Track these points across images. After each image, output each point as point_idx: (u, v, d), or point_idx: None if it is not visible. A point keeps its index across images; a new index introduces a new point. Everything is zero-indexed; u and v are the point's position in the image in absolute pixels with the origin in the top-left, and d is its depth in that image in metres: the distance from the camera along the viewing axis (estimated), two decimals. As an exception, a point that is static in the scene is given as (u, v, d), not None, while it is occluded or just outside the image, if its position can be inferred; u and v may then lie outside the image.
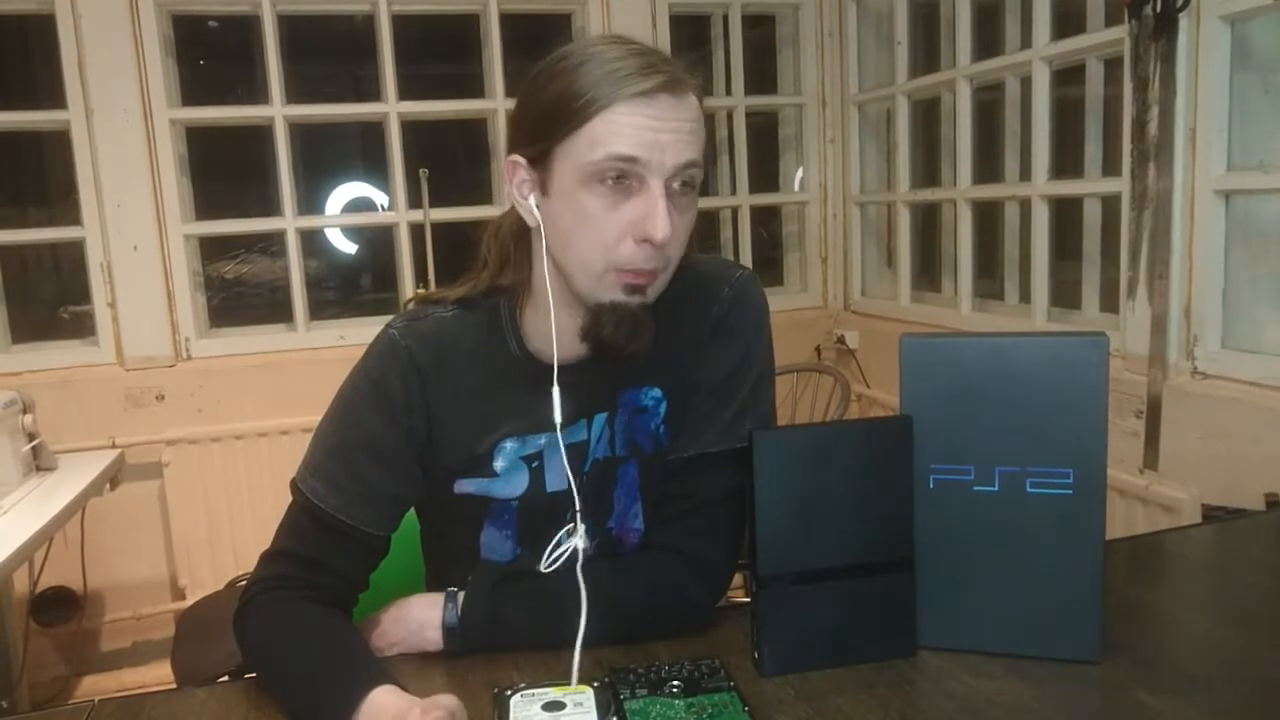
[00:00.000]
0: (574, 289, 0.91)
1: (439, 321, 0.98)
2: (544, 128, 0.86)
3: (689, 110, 0.86)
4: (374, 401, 0.95)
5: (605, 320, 0.88)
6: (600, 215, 0.85)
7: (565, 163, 0.86)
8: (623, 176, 0.84)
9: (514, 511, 1.00)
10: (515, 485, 0.98)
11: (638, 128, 0.83)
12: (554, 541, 0.96)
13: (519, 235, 0.95)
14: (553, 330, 0.92)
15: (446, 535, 1.06)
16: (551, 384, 0.93)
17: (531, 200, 0.90)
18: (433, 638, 0.94)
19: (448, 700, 0.74)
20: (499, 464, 0.98)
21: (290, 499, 0.97)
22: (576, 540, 0.93)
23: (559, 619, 0.90)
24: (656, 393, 1.00)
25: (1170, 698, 0.79)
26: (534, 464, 0.98)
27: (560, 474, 0.99)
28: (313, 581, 0.93)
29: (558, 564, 0.95)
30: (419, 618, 0.95)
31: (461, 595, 0.95)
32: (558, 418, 0.91)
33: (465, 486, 0.99)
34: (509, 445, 0.97)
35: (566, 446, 0.96)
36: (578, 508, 0.94)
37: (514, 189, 0.91)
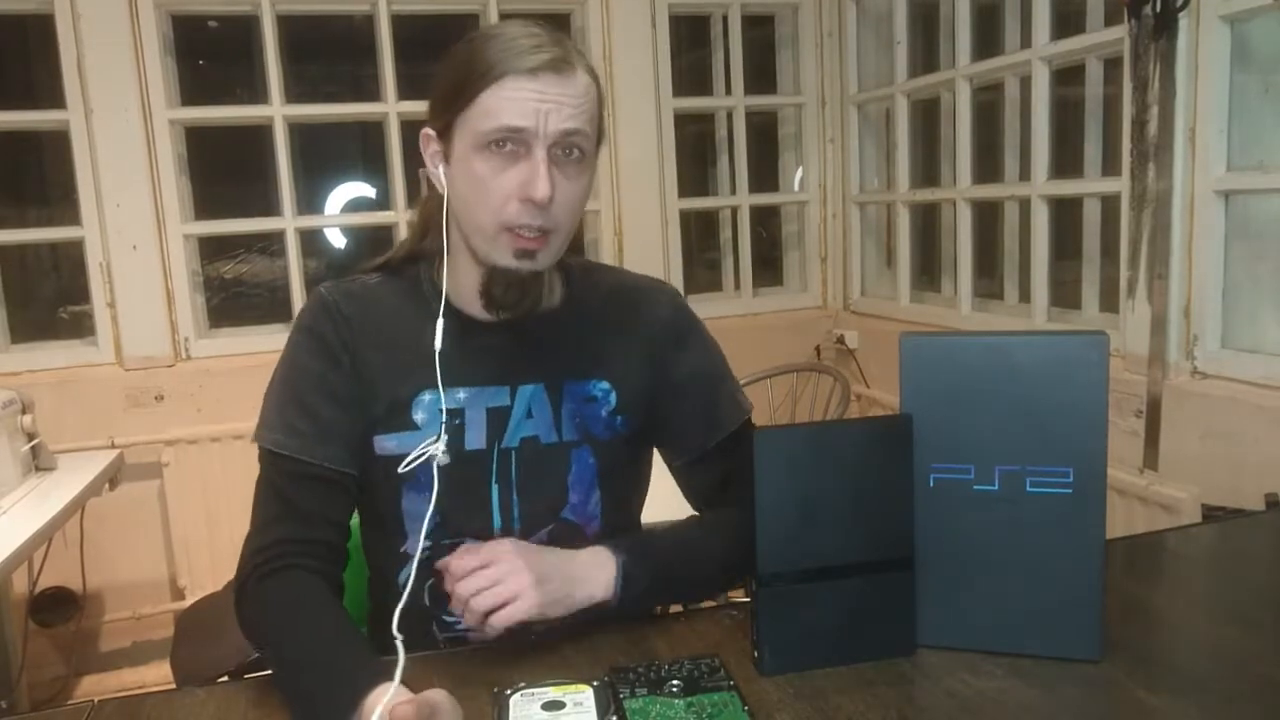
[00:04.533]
0: (473, 251, 0.97)
1: (364, 285, 1.05)
2: (446, 101, 0.95)
3: (575, 86, 0.93)
4: (312, 347, 1.01)
5: (497, 281, 0.97)
6: (489, 179, 0.93)
7: (462, 132, 0.94)
8: (508, 143, 0.91)
9: (431, 474, 0.98)
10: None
11: (522, 100, 0.90)
12: (418, 449, 0.99)
13: (439, 205, 1.01)
14: (445, 279, 0.99)
15: (371, 505, 1.06)
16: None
17: (440, 170, 0.98)
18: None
19: (437, 696, 0.74)
20: (419, 416, 1.01)
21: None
22: (438, 448, 0.97)
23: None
24: (604, 385, 1.06)
25: (1170, 697, 0.79)
26: (455, 420, 1.01)
27: (480, 434, 1.02)
28: (298, 542, 0.95)
29: (413, 466, 0.98)
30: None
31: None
32: (438, 343, 0.96)
33: (386, 443, 1.01)
34: (428, 397, 1.00)
35: (486, 409, 1.01)
36: (442, 436, 0.98)
37: (427, 159, 1.00)
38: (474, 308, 1.01)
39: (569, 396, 1.04)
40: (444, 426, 0.98)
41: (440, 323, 0.97)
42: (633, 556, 0.97)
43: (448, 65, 0.96)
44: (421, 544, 0.97)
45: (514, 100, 0.90)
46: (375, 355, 1.01)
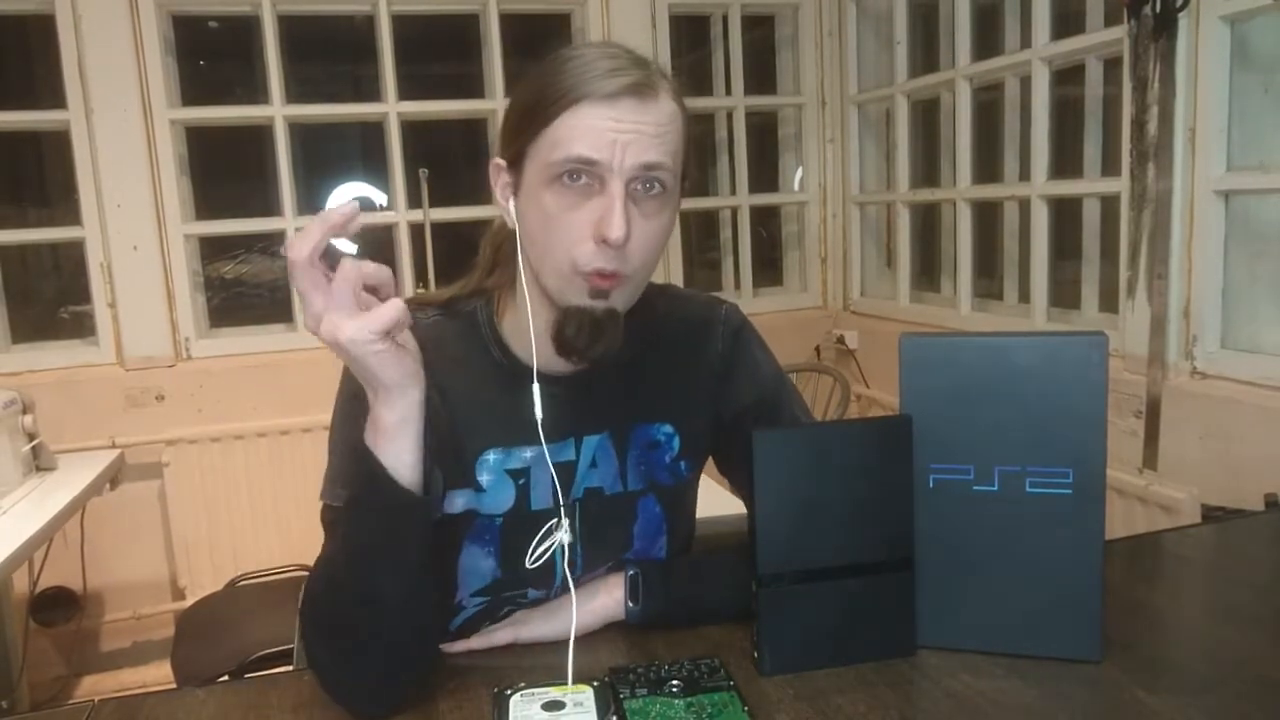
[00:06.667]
0: (545, 290, 0.90)
1: (423, 328, 0.96)
2: (517, 129, 0.88)
3: (657, 113, 0.85)
4: None
5: (570, 322, 0.88)
6: (561, 215, 0.85)
7: (533, 164, 0.87)
8: (582, 176, 0.84)
9: (497, 530, 0.97)
10: (502, 500, 0.96)
11: (597, 130, 0.83)
12: (539, 535, 0.94)
13: (510, 238, 0.95)
14: (529, 327, 0.91)
15: None
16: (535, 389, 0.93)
17: (511, 204, 0.91)
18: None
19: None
20: (484, 478, 0.95)
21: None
22: (561, 535, 0.93)
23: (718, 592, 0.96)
24: (668, 428, 1.02)
25: (1170, 698, 0.79)
26: (520, 480, 0.96)
27: (546, 492, 0.97)
28: None
29: (541, 560, 0.94)
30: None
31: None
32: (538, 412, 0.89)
33: (453, 502, 0.95)
34: (492, 457, 0.95)
35: (551, 465, 0.95)
36: (563, 521, 0.94)
37: (497, 192, 0.92)
38: (538, 355, 0.92)
39: (634, 443, 1.00)
40: (564, 510, 0.93)
41: (537, 388, 0.88)
42: (646, 569, 0.96)
43: (522, 90, 0.89)
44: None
45: (588, 129, 0.83)
46: (436, 412, 0.91)
